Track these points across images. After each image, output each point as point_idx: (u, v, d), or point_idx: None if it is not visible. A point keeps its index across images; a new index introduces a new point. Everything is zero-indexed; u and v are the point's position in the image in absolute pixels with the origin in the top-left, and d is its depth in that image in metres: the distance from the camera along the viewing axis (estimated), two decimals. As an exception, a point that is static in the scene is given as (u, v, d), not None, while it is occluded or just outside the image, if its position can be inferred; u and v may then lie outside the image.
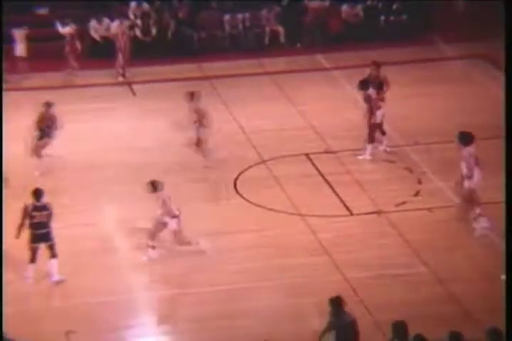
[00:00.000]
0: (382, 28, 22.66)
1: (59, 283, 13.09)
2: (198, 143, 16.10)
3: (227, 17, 22.34)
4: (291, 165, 16.41)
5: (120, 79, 20.71)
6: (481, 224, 14.36)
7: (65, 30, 20.40)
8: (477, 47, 21.63)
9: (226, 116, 18.69)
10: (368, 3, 22.90)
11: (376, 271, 13.46)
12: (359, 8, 22.73)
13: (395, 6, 22.75)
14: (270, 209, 14.78)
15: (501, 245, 13.93)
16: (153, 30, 22.01)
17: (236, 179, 16.08)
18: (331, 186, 15.84)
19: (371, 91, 16.60)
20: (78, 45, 20.54)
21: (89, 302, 12.70)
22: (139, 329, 12.40)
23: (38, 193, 13.00)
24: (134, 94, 20.14)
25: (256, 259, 13.82)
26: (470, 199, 14.32)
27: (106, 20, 21.58)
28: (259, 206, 15.18)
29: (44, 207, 13.00)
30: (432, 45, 22.07)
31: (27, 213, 12.92)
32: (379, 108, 16.62)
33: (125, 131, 18.08)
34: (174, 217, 13.56)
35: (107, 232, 14.61)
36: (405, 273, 13.38)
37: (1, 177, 15.39)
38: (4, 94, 18.29)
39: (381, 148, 17.03)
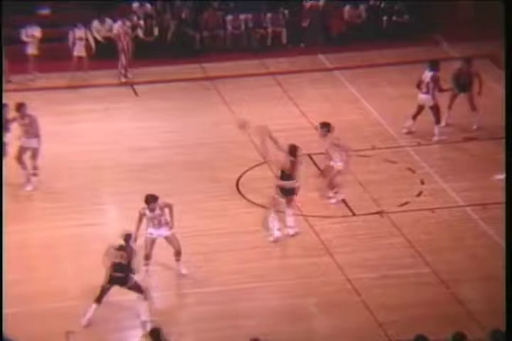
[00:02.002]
0: (384, 29, 22.60)
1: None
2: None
3: (229, 17, 22.31)
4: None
5: (123, 79, 20.67)
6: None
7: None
8: (481, 47, 21.56)
9: (228, 116, 18.65)
10: (371, 3, 22.85)
11: (379, 271, 13.41)
12: (362, 9, 22.67)
13: (397, 7, 22.69)
14: (274, 210, 14.69)
15: (503, 246, 13.92)
16: (156, 31, 21.97)
17: (238, 179, 16.04)
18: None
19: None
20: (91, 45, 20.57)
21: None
22: (140, 329, 12.33)
23: (127, 236, 12.30)
24: (137, 94, 20.11)
25: (258, 259, 13.78)
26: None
27: (108, 21, 21.55)
28: (261, 206, 15.13)
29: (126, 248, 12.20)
30: (435, 45, 22.01)
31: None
32: None
33: (128, 131, 18.05)
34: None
35: (109, 233, 14.54)
36: (408, 274, 13.33)
37: (1, 176, 15.36)
38: (7, 94, 18.24)
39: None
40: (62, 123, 18.16)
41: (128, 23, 21.09)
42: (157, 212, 13.10)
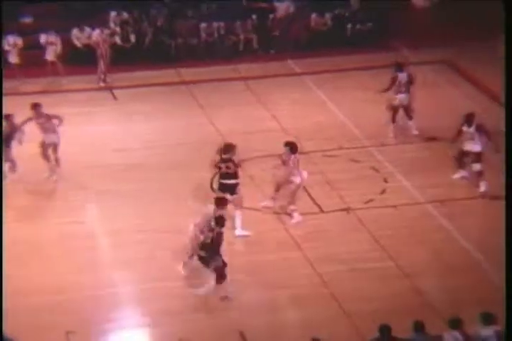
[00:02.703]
0: (349, 36, 22.76)
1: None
2: None
3: (203, 25, 22.34)
4: (265, 166, 16.43)
5: (101, 84, 20.66)
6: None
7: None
8: (438, 52, 21.79)
9: (203, 119, 18.72)
10: (336, 12, 22.99)
11: (346, 265, 13.52)
12: (327, 17, 22.82)
13: (359, 12, 22.85)
14: (246, 208, 14.79)
15: (462, 241, 14.12)
16: (133, 38, 21.96)
17: (212, 178, 16.09)
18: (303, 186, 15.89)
19: None
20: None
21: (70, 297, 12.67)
22: (121, 322, 12.37)
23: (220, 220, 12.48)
24: (115, 98, 20.10)
25: (233, 255, 13.80)
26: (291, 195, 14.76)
27: (87, 29, 21.52)
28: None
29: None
30: (396, 51, 22.19)
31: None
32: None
33: (108, 133, 18.05)
34: None
35: (93, 230, 14.60)
36: (374, 268, 13.45)
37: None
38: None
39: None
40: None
41: (106, 31, 21.09)
42: None
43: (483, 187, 15.50)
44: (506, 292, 10.70)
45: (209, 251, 12.39)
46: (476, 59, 21.30)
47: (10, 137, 15.72)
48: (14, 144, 15.84)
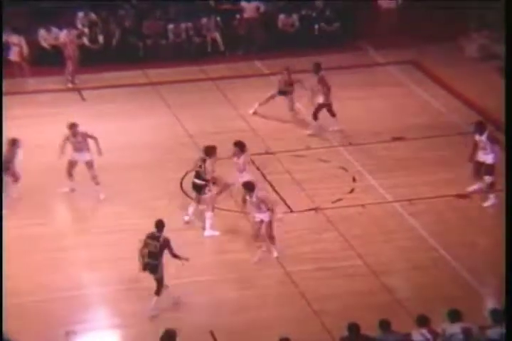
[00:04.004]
0: (316, 36, 22.80)
1: None
2: None
3: (170, 26, 22.26)
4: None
5: (69, 85, 20.50)
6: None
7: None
8: (403, 53, 21.92)
9: (171, 119, 18.65)
10: (303, 12, 23.02)
11: (315, 264, 13.53)
12: (295, 18, 22.84)
13: (327, 15, 22.88)
14: (215, 207, 14.74)
15: (429, 239, 14.20)
16: (101, 39, 21.82)
17: (182, 179, 16.03)
18: (271, 185, 15.89)
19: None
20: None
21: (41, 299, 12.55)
22: (89, 323, 12.27)
23: (159, 225, 12.26)
24: (84, 99, 19.96)
25: (201, 255, 13.79)
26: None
27: (54, 30, 21.35)
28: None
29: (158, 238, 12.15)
30: (362, 52, 22.29)
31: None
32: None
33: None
34: None
35: (61, 231, 14.48)
36: (342, 266, 13.47)
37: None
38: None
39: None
40: (11, 127, 17.91)
41: (74, 32, 20.93)
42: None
43: (489, 202, 14.90)
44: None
45: (158, 258, 12.16)
46: (441, 59, 21.46)
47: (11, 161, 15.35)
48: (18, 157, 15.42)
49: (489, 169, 14.90)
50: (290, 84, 18.47)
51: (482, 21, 22.13)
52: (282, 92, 18.60)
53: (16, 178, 15.45)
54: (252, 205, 13.63)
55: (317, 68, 17.77)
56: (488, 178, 15.01)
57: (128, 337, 12.18)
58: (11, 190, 15.34)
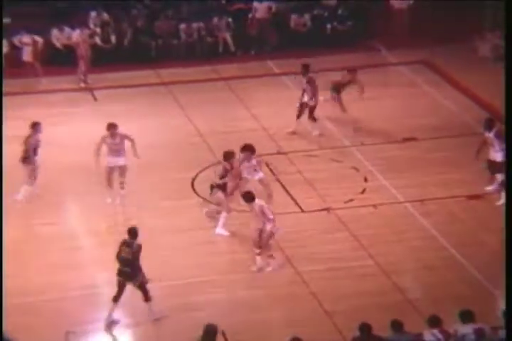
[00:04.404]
0: (328, 36, 22.79)
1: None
2: None
3: (182, 26, 22.31)
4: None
5: (82, 85, 20.58)
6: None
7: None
8: (415, 53, 21.89)
9: (183, 119, 18.69)
10: (315, 12, 23.03)
11: (326, 264, 13.53)
12: (307, 18, 22.85)
13: (339, 13, 22.89)
14: (231, 209, 14.74)
15: (440, 239, 14.18)
16: (113, 39, 21.89)
17: (194, 179, 16.07)
18: (282, 185, 15.90)
19: None
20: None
21: (53, 298, 12.59)
22: (101, 322, 12.30)
23: (132, 231, 12.03)
24: (96, 99, 20.02)
25: (212, 254, 13.83)
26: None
27: (67, 29, 21.44)
28: (213, 204, 15.16)
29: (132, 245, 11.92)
30: (375, 52, 22.27)
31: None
32: None
33: (88, 134, 17.89)
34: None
35: (76, 231, 14.53)
36: (353, 266, 13.47)
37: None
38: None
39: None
40: (23, 126, 18.01)
41: (86, 31, 21.00)
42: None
43: (502, 200, 14.83)
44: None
45: (131, 266, 11.93)
46: (453, 59, 21.42)
47: (37, 146, 15.27)
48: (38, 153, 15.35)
49: (498, 167, 14.88)
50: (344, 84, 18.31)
51: (496, 21, 22.07)
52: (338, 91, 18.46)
53: (33, 167, 15.21)
54: (252, 214, 13.47)
55: (306, 70, 17.71)
56: (498, 176, 15.00)
57: (140, 336, 12.21)
58: (28, 184, 15.26)
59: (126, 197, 15.47)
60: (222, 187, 14.31)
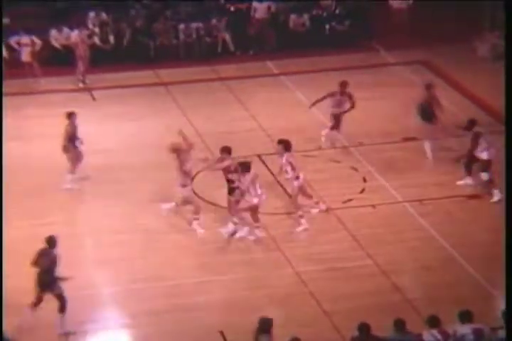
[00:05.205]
0: (327, 36, 22.86)
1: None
2: None
3: (181, 26, 22.37)
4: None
5: (80, 85, 20.64)
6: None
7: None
8: (413, 53, 21.95)
9: (182, 119, 18.73)
10: (314, 12, 23.09)
11: (325, 264, 13.59)
12: (306, 18, 22.91)
13: (337, 13, 22.95)
14: (224, 208, 14.83)
15: (439, 239, 14.24)
16: (112, 39, 21.94)
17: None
18: (281, 185, 15.96)
19: None
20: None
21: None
22: (99, 323, 12.36)
23: (51, 241, 11.87)
24: (94, 99, 20.08)
25: (212, 254, 13.88)
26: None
27: (66, 30, 21.49)
28: (213, 204, 15.24)
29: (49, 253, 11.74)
30: (374, 52, 22.33)
31: None
32: None
33: (86, 134, 17.95)
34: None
35: (74, 231, 14.57)
36: (352, 266, 13.53)
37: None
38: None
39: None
40: (22, 127, 18.10)
41: (85, 32, 21.06)
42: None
43: (496, 197, 15.07)
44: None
45: (50, 274, 11.74)
46: (452, 59, 21.48)
47: (73, 136, 15.48)
48: (78, 144, 15.62)
49: (485, 165, 15.15)
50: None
51: (495, 21, 22.14)
52: None
53: (72, 156, 15.41)
54: (242, 188, 13.87)
55: (344, 87, 17.31)
56: (484, 175, 15.21)
57: (138, 336, 12.25)
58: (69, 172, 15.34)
59: (126, 197, 15.53)
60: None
